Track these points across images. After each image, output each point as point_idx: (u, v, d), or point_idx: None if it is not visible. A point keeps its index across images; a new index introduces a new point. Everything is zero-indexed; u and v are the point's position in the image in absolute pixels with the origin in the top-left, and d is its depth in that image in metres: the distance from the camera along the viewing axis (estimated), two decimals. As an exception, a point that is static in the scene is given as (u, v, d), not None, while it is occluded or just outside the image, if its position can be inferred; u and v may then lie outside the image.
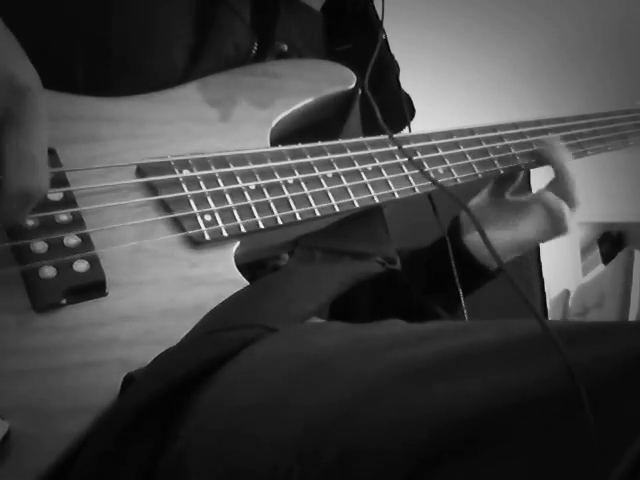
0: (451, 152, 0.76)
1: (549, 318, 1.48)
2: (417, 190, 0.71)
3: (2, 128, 0.44)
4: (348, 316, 0.61)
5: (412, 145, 0.73)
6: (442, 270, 0.77)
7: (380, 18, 0.78)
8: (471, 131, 0.80)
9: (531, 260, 1.47)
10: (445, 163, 0.75)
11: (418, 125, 0.81)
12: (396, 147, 0.70)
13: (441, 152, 0.75)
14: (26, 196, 0.45)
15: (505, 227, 0.80)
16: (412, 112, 0.84)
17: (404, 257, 0.79)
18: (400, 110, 0.73)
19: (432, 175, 0.72)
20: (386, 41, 0.83)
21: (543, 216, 0.78)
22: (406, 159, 0.70)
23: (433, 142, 0.75)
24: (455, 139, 0.77)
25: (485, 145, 0.79)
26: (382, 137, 0.71)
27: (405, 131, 0.80)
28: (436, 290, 0.79)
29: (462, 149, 0.77)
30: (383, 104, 0.70)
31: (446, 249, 0.77)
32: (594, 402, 0.29)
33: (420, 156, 0.73)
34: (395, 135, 0.71)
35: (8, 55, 0.45)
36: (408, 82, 0.86)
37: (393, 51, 0.85)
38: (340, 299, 0.61)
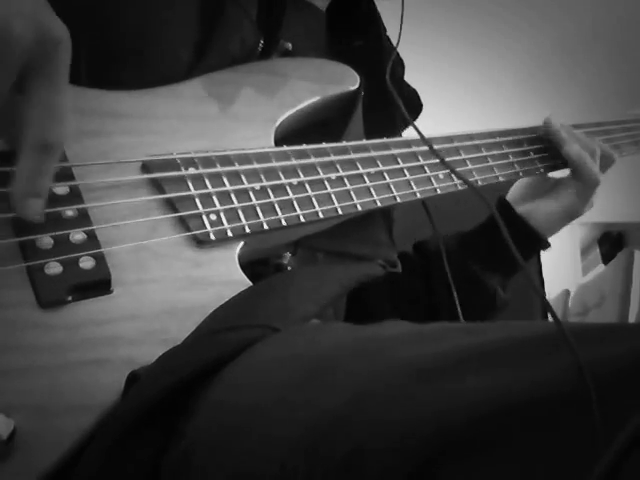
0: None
1: (549, 319, 1.48)
2: (418, 195, 0.73)
3: (30, 76, 0.46)
4: (366, 316, 0.62)
5: (414, 149, 0.75)
6: (495, 247, 0.86)
7: (400, 22, 0.80)
8: (470, 137, 0.83)
9: (531, 260, 1.48)
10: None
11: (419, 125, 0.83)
12: (403, 148, 0.72)
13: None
14: (47, 148, 0.47)
15: (550, 199, 0.91)
16: (419, 107, 0.85)
17: (453, 242, 0.89)
18: (408, 105, 0.74)
19: (432, 181, 0.74)
20: (388, 38, 0.84)
21: (575, 191, 0.89)
22: (410, 165, 0.72)
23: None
24: (454, 144, 0.80)
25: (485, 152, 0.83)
26: (385, 140, 0.74)
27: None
28: (492, 268, 0.89)
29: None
30: (392, 100, 0.71)
31: (494, 228, 0.86)
32: (600, 403, 0.29)
33: (422, 161, 0.75)
34: (403, 135, 0.73)
35: (46, 10, 0.47)
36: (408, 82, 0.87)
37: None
38: (357, 300, 0.62)
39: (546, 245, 0.91)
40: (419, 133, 0.66)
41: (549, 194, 0.90)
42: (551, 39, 2.37)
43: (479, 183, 0.79)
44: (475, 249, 0.89)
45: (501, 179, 0.82)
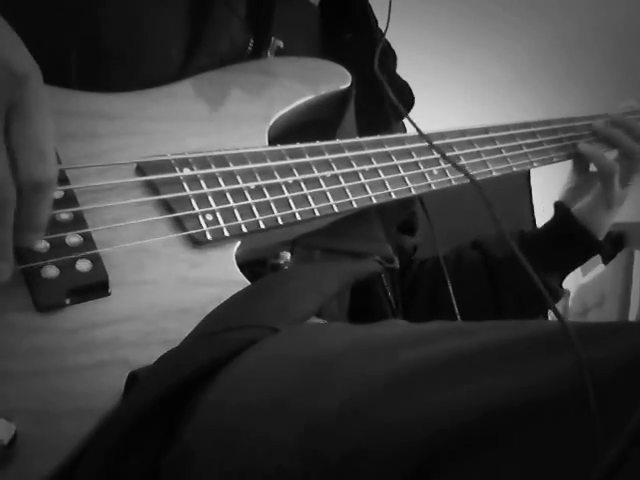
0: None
1: (549, 318, 1.49)
2: (413, 191, 0.74)
3: (8, 119, 0.45)
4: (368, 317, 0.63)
5: (407, 146, 0.75)
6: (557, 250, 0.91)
7: (388, 10, 0.80)
8: (462, 132, 0.84)
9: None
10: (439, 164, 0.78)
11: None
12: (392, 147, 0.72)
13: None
14: (39, 186, 0.46)
15: (597, 195, 0.93)
16: (411, 101, 0.86)
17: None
18: (399, 99, 0.75)
19: (430, 175, 0.74)
20: (380, 30, 0.85)
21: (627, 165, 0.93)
22: (404, 161, 0.73)
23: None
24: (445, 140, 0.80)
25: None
26: (379, 137, 0.75)
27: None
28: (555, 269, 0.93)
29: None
30: (385, 93, 0.72)
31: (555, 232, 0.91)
32: (600, 401, 0.30)
33: (416, 157, 0.75)
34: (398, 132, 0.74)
35: (6, 42, 0.45)
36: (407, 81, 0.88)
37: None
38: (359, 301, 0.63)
39: (601, 247, 0.93)
40: (413, 124, 0.66)
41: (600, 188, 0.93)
42: (551, 39, 2.39)
43: (452, 183, 0.79)
44: (539, 252, 0.90)
45: (495, 174, 0.83)
